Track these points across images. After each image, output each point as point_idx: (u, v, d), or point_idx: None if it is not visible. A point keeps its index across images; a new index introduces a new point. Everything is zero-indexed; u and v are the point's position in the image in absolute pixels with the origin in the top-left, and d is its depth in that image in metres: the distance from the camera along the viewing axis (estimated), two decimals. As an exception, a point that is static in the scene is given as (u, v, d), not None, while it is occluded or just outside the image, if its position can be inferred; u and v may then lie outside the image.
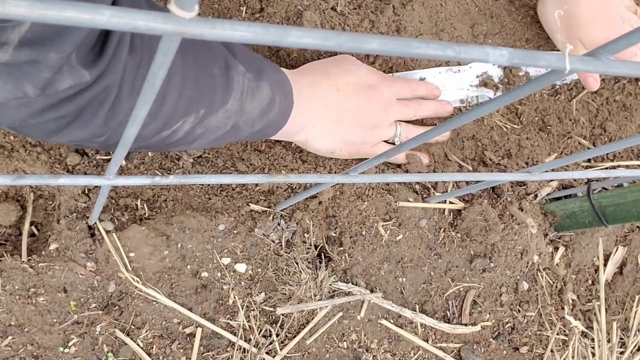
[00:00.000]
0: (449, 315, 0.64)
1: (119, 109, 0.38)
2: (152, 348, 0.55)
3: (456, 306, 0.64)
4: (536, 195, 0.68)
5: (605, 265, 0.72)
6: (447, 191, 0.65)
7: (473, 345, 0.64)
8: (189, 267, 0.56)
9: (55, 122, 0.37)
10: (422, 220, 0.63)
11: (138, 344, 0.54)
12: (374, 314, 0.61)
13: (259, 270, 0.58)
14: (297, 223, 0.59)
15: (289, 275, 0.59)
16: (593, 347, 0.69)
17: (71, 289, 0.53)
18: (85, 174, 0.57)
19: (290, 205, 0.59)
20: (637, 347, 0.72)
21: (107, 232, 0.54)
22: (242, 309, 0.57)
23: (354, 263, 0.60)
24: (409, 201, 0.63)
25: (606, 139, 0.75)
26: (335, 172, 0.64)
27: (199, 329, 0.56)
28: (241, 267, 0.58)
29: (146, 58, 0.39)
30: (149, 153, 0.60)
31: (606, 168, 0.73)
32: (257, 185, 0.61)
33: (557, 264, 0.69)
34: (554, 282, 0.69)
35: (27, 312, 0.51)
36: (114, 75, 0.36)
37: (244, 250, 0.58)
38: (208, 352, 0.56)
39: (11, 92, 0.33)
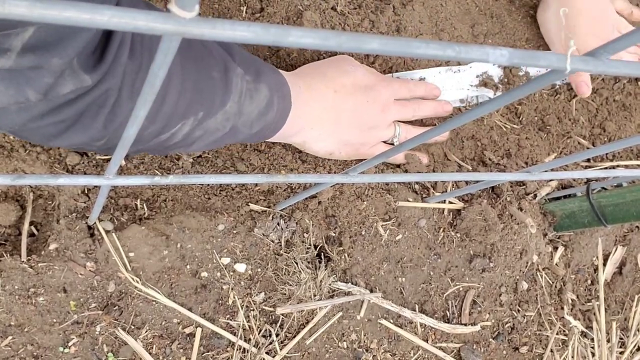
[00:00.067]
0: (448, 315, 0.64)
1: (119, 113, 0.39)
2: (152, 348, 0.55)
3: (456, 306, 0.64)
4: (535, 195, 0.68)
5: (604, 265, 0.73)
6: (446, 191, 0.65)
7: (473, 345, 0.64)
8: (188, 267, 0.56)
9: (55, 126, 0.37)
10: (421, 220, 0.63)
11: (139, 343, 0.54)
12: (374, 314, 0.61)
13: (259, 270, 0.58)
14: (296, 223, 0.59)
15: (289, 275, 0.59)
16: (592, 347, 0.69)
17: (71, 289, 0.52)
18: (85, 173, 0.56)
19: (290, 205, 0.59)
20: (636, 347, 0.72)
21: (107, 232, 0.54)
22: (242, 308, 0.57)
23: (353, 263, 0.60)
24: (409, 201, 0.63)
25: (605, 139, 0.75)
26: (334, 172, 0.64)
27: (199, 329, 0.56)
28: (241, 267, 0.58)
29: (146, 62, 0.39)
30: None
31: (605, 168, 0.73)
32: (256, 185, 0.61)
33: (556, 264, 0.70)
34: (553, 282, 0.69)
35: (27, 312, 0.51)
36: (114, 80, 0.37)
37: (244, 250, 0.58)
38: (208, 352, 0.56)
39: (13, 97, 0.33)
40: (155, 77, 0.20)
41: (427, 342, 0.63)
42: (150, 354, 0.54)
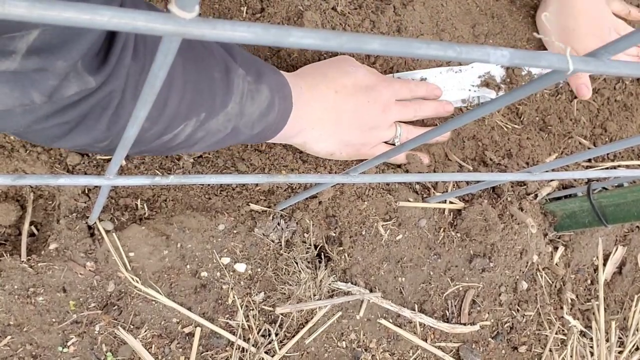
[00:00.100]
0: (448, 314, 0.64)
1: (122, 114, 0.39)
2: (151, 347, 0.55)
3: (455, 306, 0.64)
4: (536, 195, 0.68)
5: (604, 265, 0.72)
6: (447, 191, 0.65)
7: (472, 345, 0.64)
8: (188, 266, 0.56)
9: (59, 127, 0.37)
10: (422, 220, 0.62)
11: (138, 343, 0.54)
12: (373, 314, 0.61)
13: (259, 270, 0.58)
14: (297, 223, 0.59)
15: (289, 275, 0.59)
16: (592, 347, 0.69)
17: (70, 288, 0.52)
18: (86, 174, 0.56)
19: (290, 205, 0.59)
20: (635, 347, 0.72)
21: (107, 231, 0.54)
22: (242, 308, 0.57)
23: (353, 263, 0.60)
24: (409, 201, 0.63)
25: (607, 139, 0.75)
26: (335, 172, 0.63)
27: (198, 329, 0.56)
28: (241, 267, 0.58)
29: (149, 64, 0.39)
30: (149, 152, 0.60)
31: (606, 168, 0.73)
32: (257, 185, 0.61)
33: (556, 264, 0.70)
34: (553, 282, 0.69)
35: (26, 311, 0.51)
36: (117, 81, 0.37)
37: (244, 250, 0.58)
38: (207, 351, 0.56)
39: (18, 99, 0.33)
40: (155, 78, 0.20)
41: (426, 341, 0.62)
42: (149, 353, 0.54)
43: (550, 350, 0.67)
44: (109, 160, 0.57)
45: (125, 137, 0.26)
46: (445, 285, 0.64)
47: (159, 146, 0.44)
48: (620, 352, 0.71)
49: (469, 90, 0.71)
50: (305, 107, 0.55)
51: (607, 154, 0.75)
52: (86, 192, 0.56)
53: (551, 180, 0.70)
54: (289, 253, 0.59)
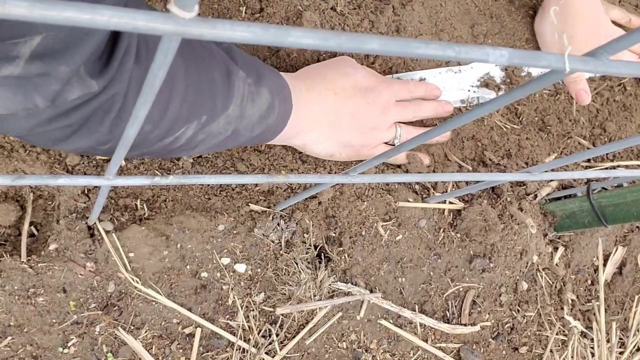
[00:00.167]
0: (448, 315, 0.64)
1: (124, 118, 0.39)
2: (152, 348, 0.55)
3: (456, 306, 0.64)
4: (536, 196, 0.68)
5: (604, 265, 0.72)
6: (446, 191, 0.65)
7: (472, 346, 0.64)
8: (188, 267, 0.56)
9: (62, 130, 0.37)
10: (421, 221, 0.63)
11: (138, 343, 0.54)
12: (374, 314, 0.61)
13: (259, 270, 0.58)
14: (296, 223, 0.59)
15: (289, 275, 0.59)
16: (592, 347, 0.69)
17: (70, 289, 0.52)
18: (85, 174, 0.56)
19: (290, 206, 0.59)
20: (636, 347, 0.72)
21: (107, 232, 0.54)
22: (242, 309, 0.57)
23: (353, 263, 0.60)
24: (409, 201, 0.63)
25: (606, 139, 0.75)
26: (335, 173, 0.63)
27: (199, 329, 0.56)
28: (241, 267, 0.58)
29: None
30: (149, 153, 0.60)
31: (606, 168, 0.73)
32: (256, 185, 0.61)
33: (556, 264, 0.70)
34: (553, 282, 0.69)
35: (27, 312, 0.51)
36: (120, 85, 0.37)
37: (244, 250, 0.58)
38: (207, 352, 0.56)
39: (21, 104, 0.33)
40: (155, 78, 0.20)
41: (427, 342, 0.62)
42: (150, 354, 0.54)
43: (551, 351, 0.67)
44: (108, 160, 0.57)
45: (125, 136, 0.26)
46: (445, 285, 0.64)
47: (160, 149, 0.45)
48: (621, 353, 0.71)
49: (469, 90, 0.71)
50: (304, 109, 0.55)
51: (607, 154, 0.75)
52: (86, 192, 0.56)
53: (550, 181, 0.70)
54: (289, 253, 0.59)
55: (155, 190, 0.59)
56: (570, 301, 0.70)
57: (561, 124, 0.74)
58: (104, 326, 0.53)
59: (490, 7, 0.75)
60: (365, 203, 0.61)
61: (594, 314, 0.71)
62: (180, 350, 0.55)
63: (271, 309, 0.58)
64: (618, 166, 0.74)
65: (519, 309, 0.67)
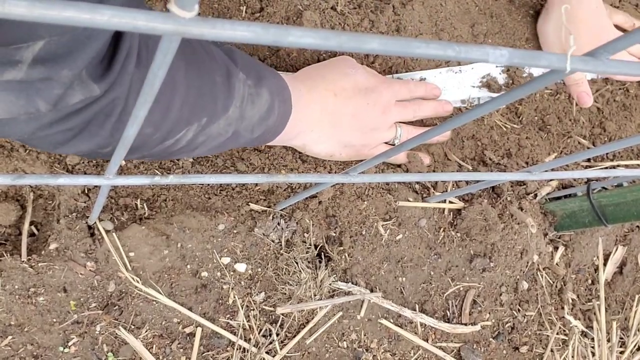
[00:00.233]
0: (448, 314, 0.64)
1: (125, 121, 0.39)
2: (152, 348, 0.55)
3: (456, 306, 0.64)
4: (536, 195, 0.68)
5: (605, 264, 0.72)
6: (447, 191, 0.65)
7: (473, 345, 0.64)
8: (188, 266, 0.56)
9: (63, 134, 0.37)
10: (422, 220, 0.63)
11: (139, 343, 0.54)
12: (374, 314, 0.61)
13: (259, 269, 0.58)
14: (297, 223, 0.59)
15: (289, 274, 0.59)
16: (593, 347, 0.69)
17: (71, 288, 0.52)
18: (85, 173, 0.56)
19: (290, 205, 0.59)
20: (637, 347, 0.72)
21: (107, 231, 0.54)
22: (242, 308, 0.57)
23: (353, 263, 0.60)
24: (409, 201, 0.63)
25: (606, 139, 0.75)
26: (335, 172, 0.64)
27: (199, 329, 0.56)
28: (241, 267, 0.58)
29: None
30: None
31: (606, 168, 0.73)
32: (257, 185, 0.61)
33: (557, 264, 0.70)
34: (553, 282, 0.69)
35: (27, 311, 0.51)
36: (121, 88, 0.37)
37: (244, 249, 0.58)
38: (208, 351, 0.56)
39: (23, 108, 0.33)
40: (155, 77, 0.20)
41: (427, 341, 0.63)
42: (150, 353, 0.54)
43: (552, 351, 0.67)
44: (108, 160, 0.57)
45: (125, 136, 0.26)
46: (445, 285, 0.64)
47: (161, 151, 0.45)
48: (622, 352, 0.71)
49: (469, 91, 0.71)
50: (304, 110, 0.55)
51: (607, 153, 0.75)
52: (86, 191, 0.56)
53: (551, 180, 0.70)
54: (289, 253, 0.59)
55: (156, 190, 0.59)
56: (570, 301, 0.70)
57: (561, 123, 0.74)
58: (105, 325, 0.53)
59: (490, 7, 0.75)
60: (366, 202, 0.61)
61: (595, 314, 0.71)
62: (181, 350, 0.55)
63: (271, 309, 0.58)
64: (618, 166, 0.74)
65: (520, 308, 0.67)
